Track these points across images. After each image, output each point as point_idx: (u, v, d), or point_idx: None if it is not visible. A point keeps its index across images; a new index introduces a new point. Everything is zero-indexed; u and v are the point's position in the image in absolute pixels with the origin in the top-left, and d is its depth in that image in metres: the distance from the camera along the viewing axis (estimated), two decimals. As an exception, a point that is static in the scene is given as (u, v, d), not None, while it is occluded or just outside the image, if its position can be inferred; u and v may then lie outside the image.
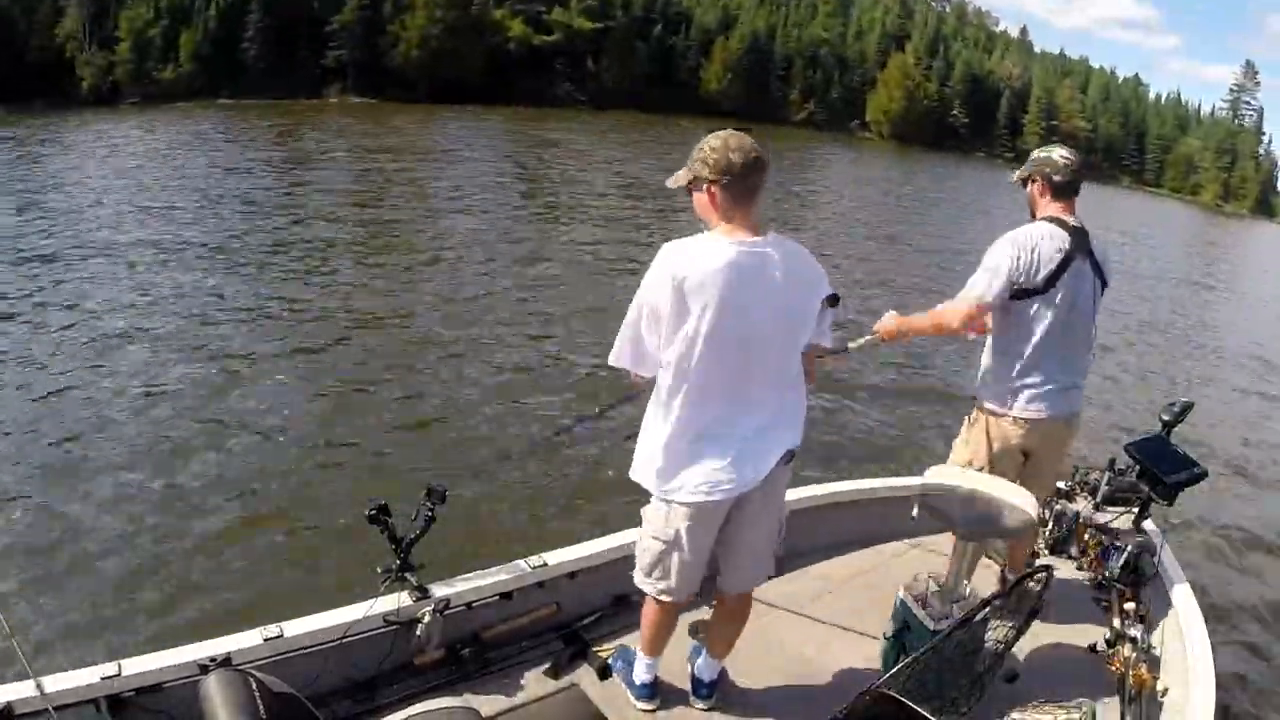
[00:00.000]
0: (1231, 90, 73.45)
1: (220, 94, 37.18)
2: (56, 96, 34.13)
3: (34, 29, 36.61)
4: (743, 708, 2.47)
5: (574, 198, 15.90)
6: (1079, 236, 2.61)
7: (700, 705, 2.45)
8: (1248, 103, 72.07)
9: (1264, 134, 70.42)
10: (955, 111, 61.17)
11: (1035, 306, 2.61)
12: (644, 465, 2.11)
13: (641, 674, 2.43)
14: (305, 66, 41.20)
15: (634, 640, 2.66)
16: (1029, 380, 2.66)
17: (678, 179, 2.00)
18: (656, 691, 2.44)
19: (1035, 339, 2.62)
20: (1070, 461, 3.56)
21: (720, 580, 2.32)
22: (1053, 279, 2.57)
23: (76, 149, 19.40)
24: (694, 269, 1.90)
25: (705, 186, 1.95)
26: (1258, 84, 72.64)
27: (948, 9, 71.69)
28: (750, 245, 1.93)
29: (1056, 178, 2.65)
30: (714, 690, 2.48)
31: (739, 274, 1.91)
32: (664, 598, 2.23)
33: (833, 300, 2.08)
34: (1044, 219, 2.64)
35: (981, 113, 61.71)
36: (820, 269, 2.06)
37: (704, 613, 2.77)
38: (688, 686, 2.49)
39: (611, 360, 2.10)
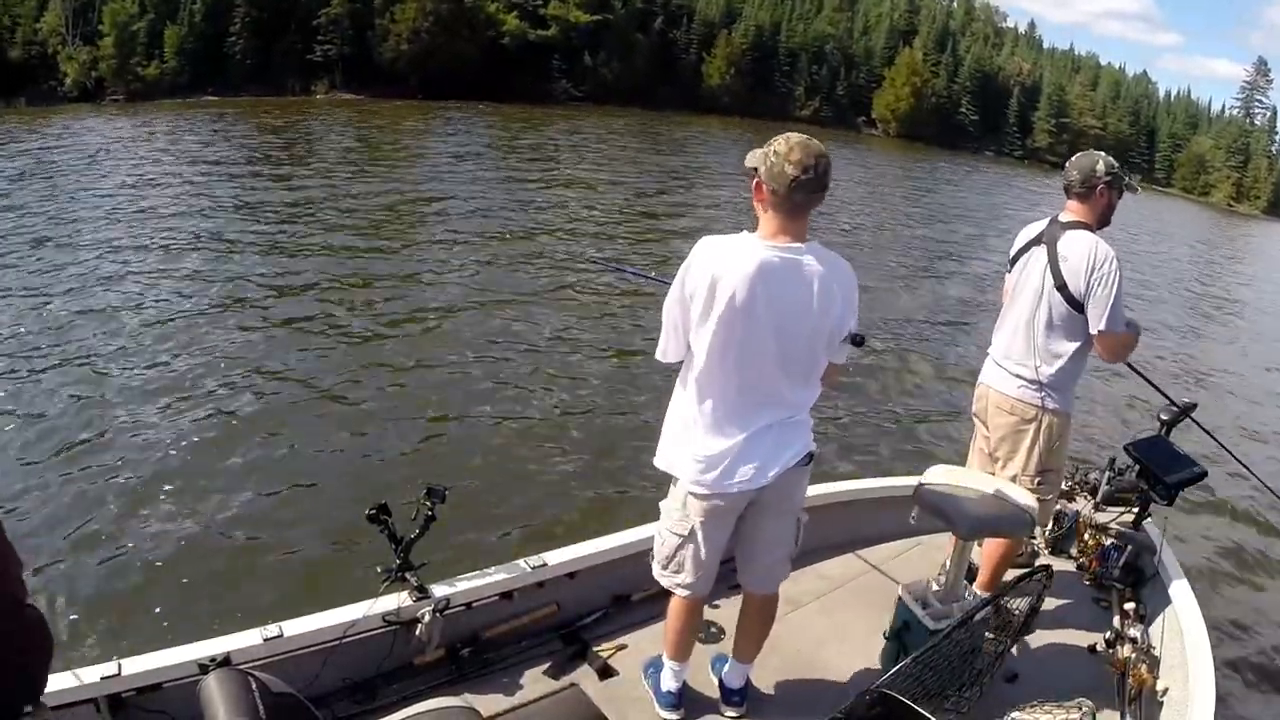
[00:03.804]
0: (1243, 88, 72.55)
1: (206, 90, 36.46)
2: (39, 92, 33.71)
3: (17, 23, 36.07)
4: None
5: (571, 199, 15.87)
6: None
7: (731, 713, 2.41)
8: (1260, 101, 71.30)
9: (1277, 133, 69.36)
10: (964, 108, 60.54)
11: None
12: (665, 452, 2.16)
13: (668, 681, 2.39)
14: (293, 61, 40.13)
15: (634, 640, 2.68)
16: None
17: (752, 158, 2.00)
18: (682, 701, 2.40)
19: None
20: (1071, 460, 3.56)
21: (742, 579, 2.34)
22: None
23: (53, 145, 19.19)
24: (724, 265, 1.92)
25: (757, 181, 1.97)
26: (1270, 82, 71.69)
27: (955, 4, 71.07)
28: (784, 250, 1.93)
29: None
30: (745, 697, 2.43)
31: (767, 276, 1.91)
32: (680, 591, 2.25)
33: (857, 341, 2.06)
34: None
35: (991, 110, 60.93)
36: (854, 287, 2.03)
37: (712, 614, 2.78)
38: (714, 696, 2.45)
39: (658, 357, 2.12)
